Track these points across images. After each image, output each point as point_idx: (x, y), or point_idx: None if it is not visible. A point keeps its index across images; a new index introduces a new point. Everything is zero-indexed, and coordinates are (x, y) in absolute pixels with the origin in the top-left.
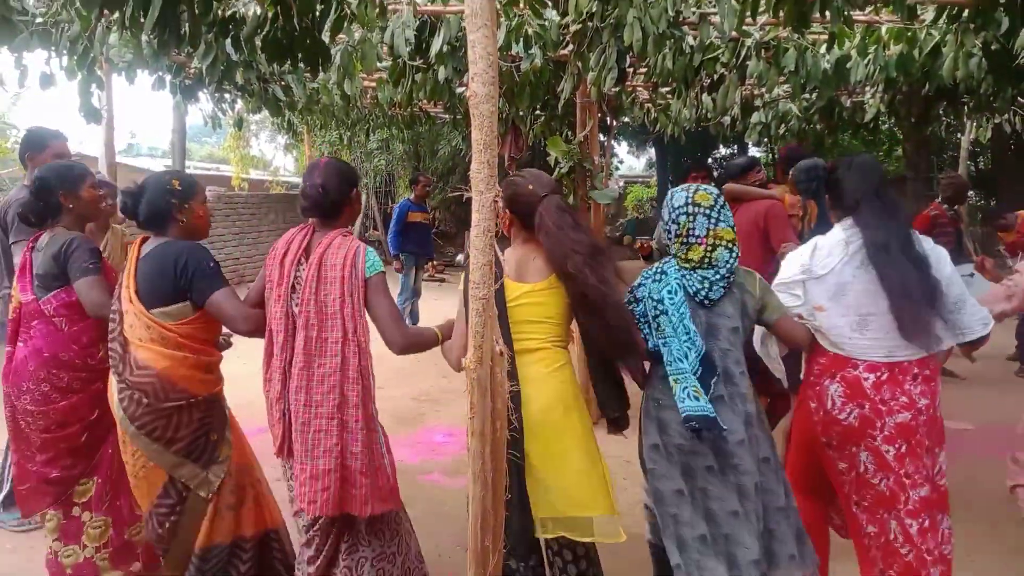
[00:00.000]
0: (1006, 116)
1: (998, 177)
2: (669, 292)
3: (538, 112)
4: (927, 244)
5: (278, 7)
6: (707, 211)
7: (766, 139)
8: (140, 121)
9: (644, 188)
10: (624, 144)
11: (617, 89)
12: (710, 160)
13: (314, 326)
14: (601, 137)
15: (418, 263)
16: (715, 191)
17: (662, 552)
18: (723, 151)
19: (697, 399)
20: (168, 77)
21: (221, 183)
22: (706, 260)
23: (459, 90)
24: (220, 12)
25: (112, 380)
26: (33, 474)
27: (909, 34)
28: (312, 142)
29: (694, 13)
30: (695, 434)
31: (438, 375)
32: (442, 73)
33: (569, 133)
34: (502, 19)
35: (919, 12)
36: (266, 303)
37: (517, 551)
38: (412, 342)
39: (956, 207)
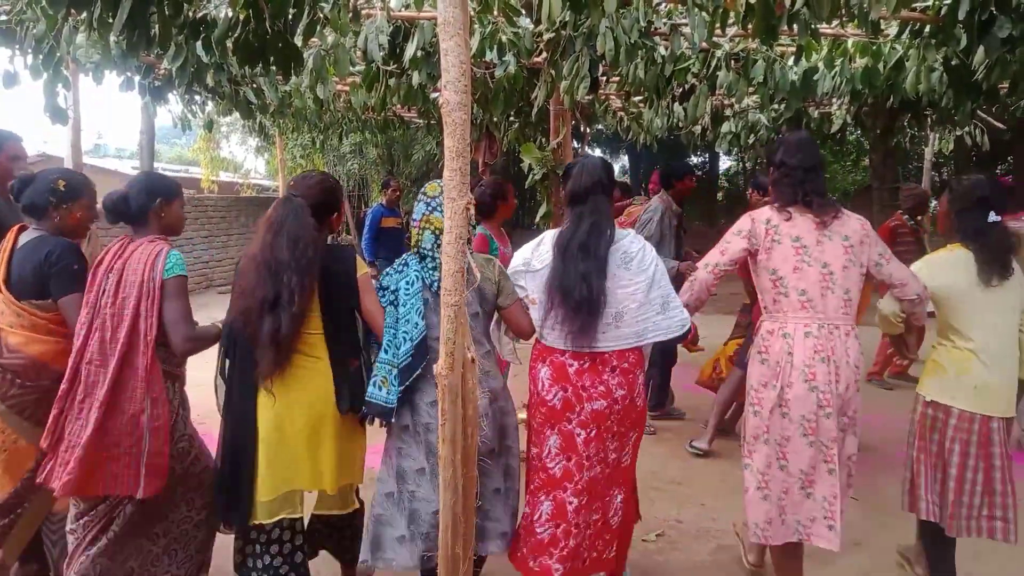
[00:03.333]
0: (967, 128)
1: None
2: (407, 283)
3: (512, 119)
4: (634, 246)
5: (250, 10)
6: (429, 199)
7: (736, 148)
8: (107, 121)
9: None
10: (597, 151)
11: (590, 97)
12: None
13: (109, 327)
14: (575, 144)
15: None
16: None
17: None
18: (694, 159)
19: (380, 388)
20: (137, 78)
21: (190, 185)
22: (418, 244)
23: (433, 95)
24: (191, 14)
25: None
26: None
27: (874, 48)
28: (284, 145)
29: (665, 24)
30: (367, 419)
31: None
32: (416, 78)
33: (543, 140)
34: (476, 26)
35: (883, 27)
36: None
37: None
38: (189, 346)
39: (918, 218)
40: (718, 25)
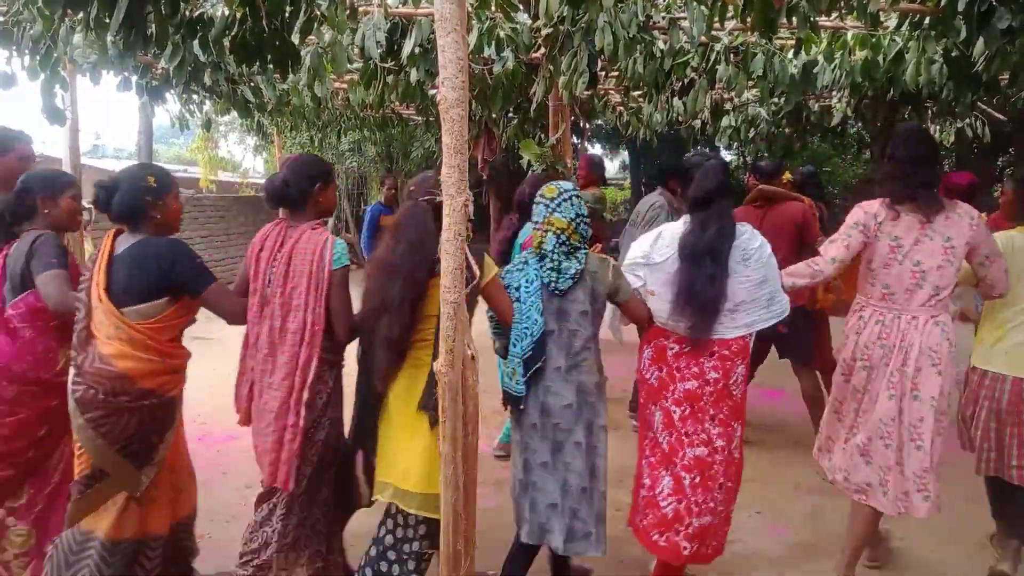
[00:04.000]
0: (968, 120)
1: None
2: (526, 281)
3: (511, 115)
4: (753, 243)
5: (247, 8)
6: (548, 201)
7: (736, 142)
8: (105, 121)
9: (617, 190)
10: (597, 146)
11: (589, 93)
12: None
13: (279, 316)
14: (574, 140)
15: None
16: (566, 185)
17: None
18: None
19: (511, 379)
20: (134, 78)
21: (189, 185)
22: (540, 246)
23: (431, 92)
24: (187, 13)
25: (72, 370)
26: None
27: (873, 40)
28: (282, 144)
29: (664, 18)
30: (506, 405)
31: None
32: (414, 75)
33: (542, 136)
34: (474, 22)
35: (883, 19)
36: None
37: None
38: (352, 335)
39: None
40: (717, 18)
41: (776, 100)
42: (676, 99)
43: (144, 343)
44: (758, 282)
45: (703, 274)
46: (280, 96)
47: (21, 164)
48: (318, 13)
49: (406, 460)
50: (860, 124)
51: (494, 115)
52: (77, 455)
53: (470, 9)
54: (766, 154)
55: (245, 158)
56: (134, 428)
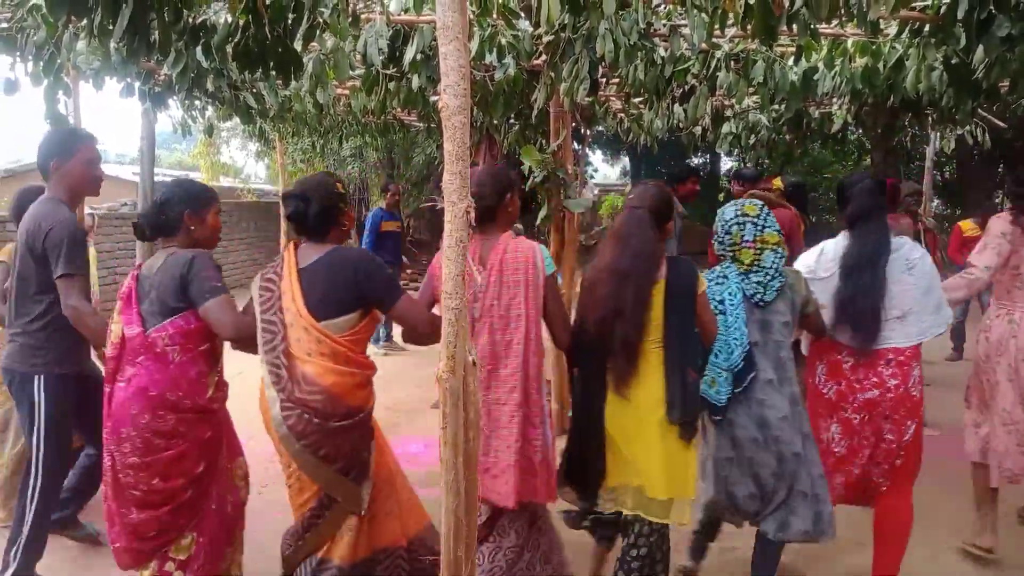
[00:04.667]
0: (968, 127)
1: (963, 186)
2: (730, 294)
3: (512, 121)
4: (915, 253)
5: (250, 15)
6: (754, 219)
7: (737, 148)
8: (107, 127)
9: (618, 196)
10: (598, 153)
11: (590, 99)
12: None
13: (498, 329)
14: (575, 146)
15: (393, 271)
16: (760, 203)
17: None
18: (695, 160)
19: (710, 387)
20: (137, 84)
21: None
22: (755, 263)
23: (433, 99)
24: (191, 20)
25: (269, 396)
26: (130, 530)
27: (874, 48)
28: (284, 150)
29: (665, 25)
30: (708, 415)
31: (413, 384)
32: (416, 82)
33: (543, 142)
34: (475, 29)
35: (883, 27)
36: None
37: None
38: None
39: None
40: (717, 26)
41: (777, 107)
42: (677, 106)
43: (346, 356)
44: (924, 290)
45: (862, 285)
46: (282, 102)
47: (88, 169)
48: (320, 20)
49: (651, 466)
50: (860, 131)
51: (495, 121)
52: (296, 487)
53: (472, 16)
54: (767, 160)
55: (247, 164)
56: (348, 447)
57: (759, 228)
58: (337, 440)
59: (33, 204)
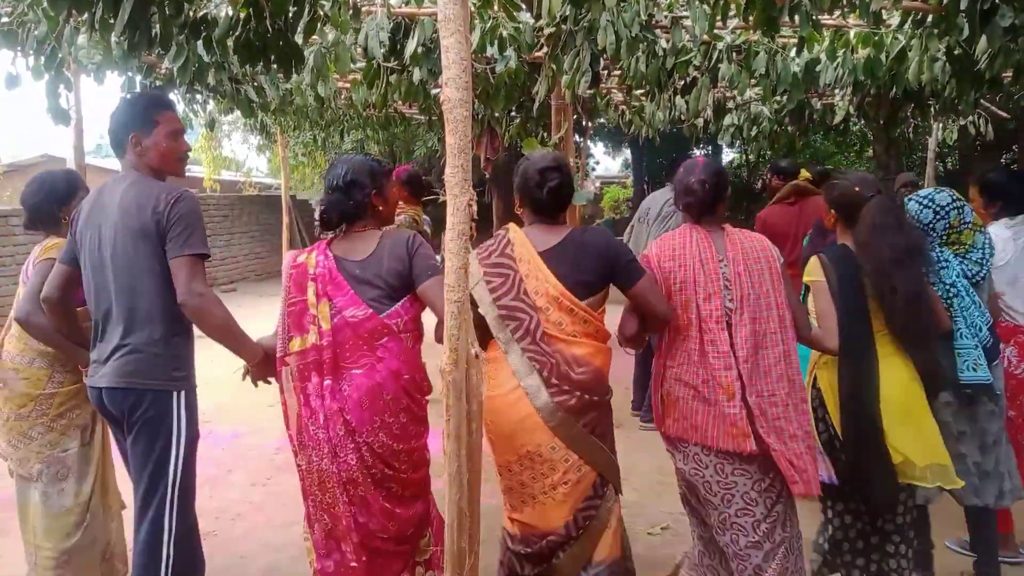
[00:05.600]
0: (971, 118)
1: (965, 177)
2: (958, 276)
3: (513, 114)
4: None
5: (251, 9)
6: (965, 203)
7: (739, 140)
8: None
9: (620, 189)
10: (600, 145)
11: (591, 91)
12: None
13: (757, 319)
14: (576, 138)
15: None
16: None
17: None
18: (697, 152)
19: (975, 371)
20: (138, 78)
21: (192, 184)
22: (971, 243)
23: (434, 91)
24: (191, 13)
25: (529, 386)
26: (378, 539)
27: (876, 38)
28: (286, 143)
29: (666, 17)
30: (969, 399)
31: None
32: (417, 75)
33: (544, 135)
34: (476, 21)
35: (885, 17)
36: (687, 300)
37: None
38: (809, 332)
39: None
40: (719, 17)
41: (779, 98)
42: (678, 98)
43: (605, 333)
44: None
45: None
46: (283, 96)
47: (172, 145)
48: (321, 13)
49: (932, 437)
50: (862, 122)
51: (497, 114)
52: (574, 481)
53: (473, 9)
54: (769, 152)
55: (248, 157)
56: (611, 423)
57: (971, 211)
58: (606, 418)
59: (121, 186)
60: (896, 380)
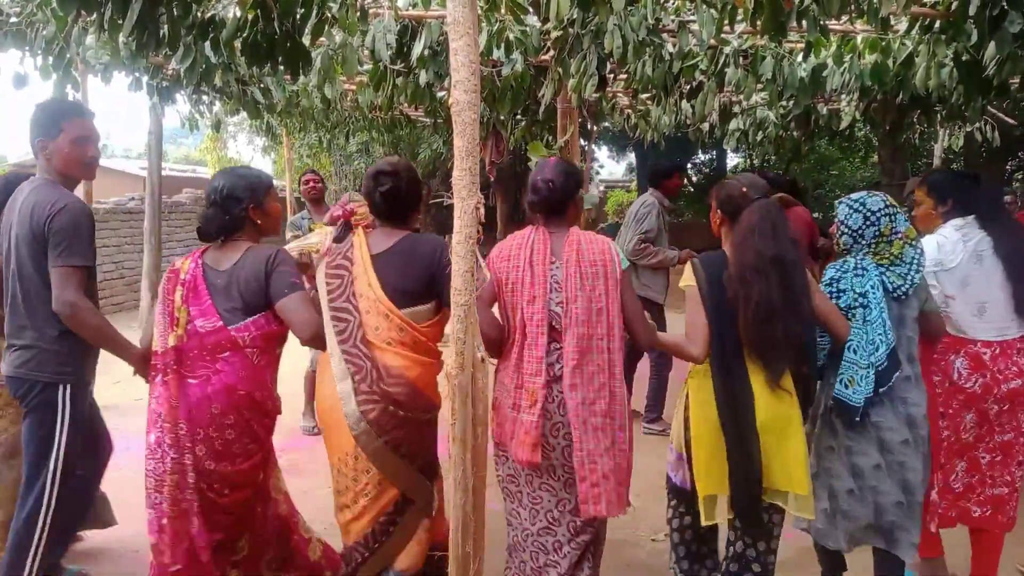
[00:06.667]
0: (977, 124)
1: None
2: (872, 287)
3: (519, 117)
4: None
5: (258, 10)
6: (900, 212)
7: (744, 145)
8: (115, 122)
9: (624, 193)
10: (604, 149)
11: (597, 95)
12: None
13: (584, 323)
14: (582, 142)
15: None
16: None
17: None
18: (702, 156)
19: (847, 387)
20: (145, 78)
21: (198, 185)
22: (899, 255)
23: (440, 94)
24: (199, 14)
25: (342, 391)
26: (189, 545)
27: (883, 44)
28: (291, 145)
29: (673, 21)
30: (839, 417)
31: None
32: (423, 77)
33: (550, 138)
34: (483, 24)
35: (893, 23)
36: (508, 305)
37: None
38: (654, 338)
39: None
40: (726, 21)
41: (785, 103)
42: (684, 102)
43: (427, 346)
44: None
45: (1013, 271)
46: (289, 97)
47: (75, 149)
48: (329, 15)
49: (793, 464)
50: (868, 128)
51: (502, 117)
52: (373, 495)
53: (480, 12)
54: (774, 157)
55: (253, 159)
56: (427, 444)
57: (906, 220)
58: (417, 436)
59: (25, 190)
60: (759, 396)
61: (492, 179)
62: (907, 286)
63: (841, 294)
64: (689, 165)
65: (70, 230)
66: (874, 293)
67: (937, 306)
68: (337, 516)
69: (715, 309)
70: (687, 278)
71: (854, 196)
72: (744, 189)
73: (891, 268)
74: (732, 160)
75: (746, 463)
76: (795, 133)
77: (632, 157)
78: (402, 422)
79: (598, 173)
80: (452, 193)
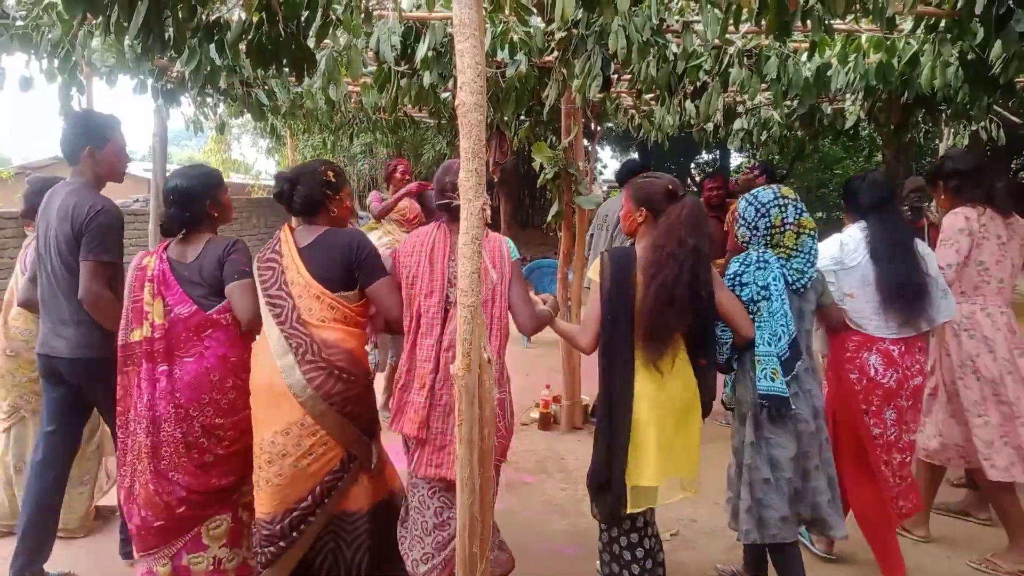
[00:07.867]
0: (982, 124)
1: None
2: (774, 280)
3: (523, 118)
4: (922, 247)
5: (263, 13)
6: (794, 202)
7: (748, 145)
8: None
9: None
10: (608, 149)
11: (601, 96)
12: (692, 166)
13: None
14: (585, 143)
15: None
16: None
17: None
18: (706, 156)
19: (773, 380)
20: (150, 81)
21: None
22: (794, 246)
23: (444, 95)
24: (205, 17)
25: (284, 365)
26: (175, 502)
27: (888, 43)
28: (295, 146)
29: (677, 21)
30: (766, 412)
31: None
32: (427, 79)
33: (554, 139)
34: (487, 25)
35: (898, 22)
36: (413, 296)
37: None
38: (538, 324)
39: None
40: (731, 21)
41: (789, 103)
42: (689, 102)
43: (356, 320)
44: (935, 277)
45: (905, 268)
46: (294, 99)
47: (119, 159)
48: (334, 17)
49: (687, 452)
50: (873, 127)
51: (506, 118)
52: (320, 453)
53: (484, 13)
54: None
55: (257, 160)
56: (367, 405)
57: (799, 211)
58: (358, 397)
59: (61, 193)
60: (645, 394)
61: (496, 180)
62: (805, 280)
63: (744, 287)
64: (692, 165)
65: (105, 229)
66: (776, 285)
67: (833, 298)
68: (256, 493)
69: (613, 301)
70: (592, 272)
71: (752, 191)
72: (670, 187)
73: (790, 261)
74: (735, 159)
75: (611, 454)
76: (799, 133)
77: (635, 157)
78: (346, 386)
79: (601, 173)
80: (458, 195)
